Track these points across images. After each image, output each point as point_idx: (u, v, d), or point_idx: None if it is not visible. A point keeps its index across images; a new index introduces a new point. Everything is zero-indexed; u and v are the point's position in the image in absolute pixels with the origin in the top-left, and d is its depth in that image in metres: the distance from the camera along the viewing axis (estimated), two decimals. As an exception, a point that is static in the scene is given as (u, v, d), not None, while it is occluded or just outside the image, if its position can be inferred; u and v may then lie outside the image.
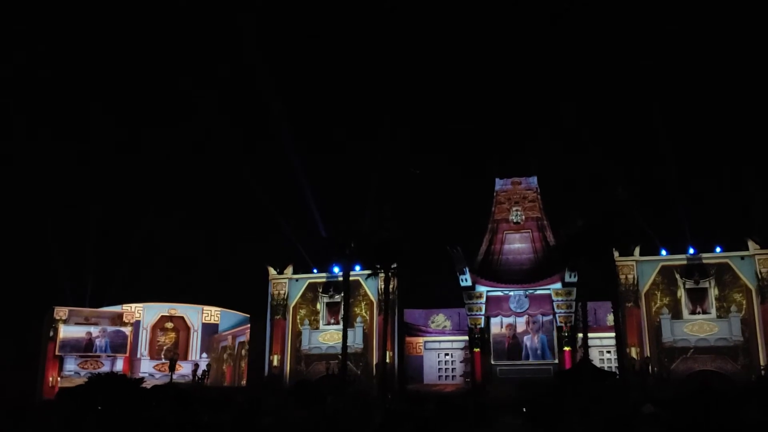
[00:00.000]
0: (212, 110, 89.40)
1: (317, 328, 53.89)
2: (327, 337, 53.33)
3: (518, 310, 50.97)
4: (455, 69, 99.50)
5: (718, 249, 48.45)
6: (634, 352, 47.15)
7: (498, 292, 51.20)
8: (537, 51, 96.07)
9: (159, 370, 58.88)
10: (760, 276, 46.50)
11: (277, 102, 75.50)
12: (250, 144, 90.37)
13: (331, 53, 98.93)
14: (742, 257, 47.50)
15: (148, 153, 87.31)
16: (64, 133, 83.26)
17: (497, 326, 51.42)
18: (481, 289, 51.09)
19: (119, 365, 57.40)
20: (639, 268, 48.81)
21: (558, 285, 49.80)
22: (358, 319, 52.63)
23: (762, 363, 45.11)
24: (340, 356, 48.24)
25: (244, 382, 56.96)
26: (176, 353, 58.96)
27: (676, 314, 47.83)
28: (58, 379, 55.79)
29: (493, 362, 50.84)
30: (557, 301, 49.79)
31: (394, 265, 49.25)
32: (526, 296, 50.82)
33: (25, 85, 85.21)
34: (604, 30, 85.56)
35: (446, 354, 54.01)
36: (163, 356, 60.17)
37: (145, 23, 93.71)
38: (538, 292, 50.63)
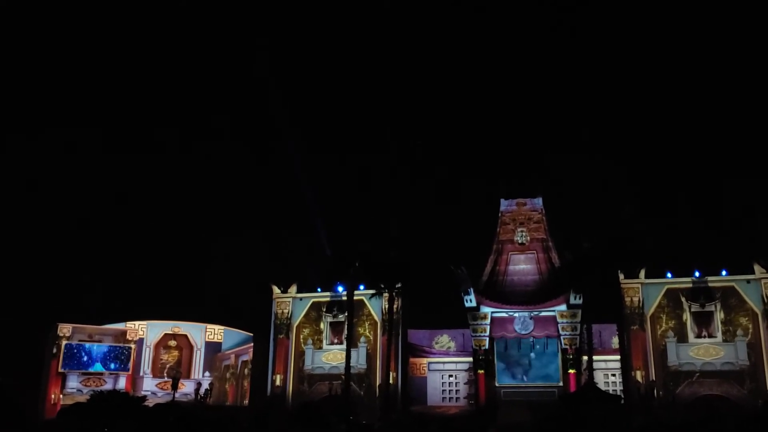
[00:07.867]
0: (220, 128, 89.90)
1: (320, 348, 53.69)
2: (330, 356, 53.11)
3: (523, 332, 50.71)
4: (463, 90, 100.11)
5: (723, 272, 48.24)
6: (639, 376, 46.88)
7: (503, 314, 50.98)
8: (544, 74, 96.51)
9: (161, 389, 58.47)
10: (766, 300, 46.33)
11: (283, 120, 75.76)
12: (255, 161, 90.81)
13: (341, 72, 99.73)
14: (748, 281, 47.35)
15: (154, 171, 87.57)
16: (70, 146, 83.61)
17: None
18: (486, 310, 50.86)
19: (122, 383, 57.05)
20: (644, 291, 48.60)
21: (563, 307, 49.60)
22: (362, 339, 52.42)
23: (769, 388, 44.79)
24: (343, 376, 47.98)
25: (246, 402, 56.65)
26: (179, 372, 58.60)
27: (682, 338, 47.57)
28: (61, 396, 55.52)
29: (497, 384, 50.58)
30: (562, 323, 49.57)
31: (399, 285, 49.27)
32: (531, 318, 50.59)
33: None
34: (618, 54, 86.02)
35: (450, 375, 53.72)
36: (165, 374, 59.84)
37: (157, 50, 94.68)
38: (543, 313, 50.38)
